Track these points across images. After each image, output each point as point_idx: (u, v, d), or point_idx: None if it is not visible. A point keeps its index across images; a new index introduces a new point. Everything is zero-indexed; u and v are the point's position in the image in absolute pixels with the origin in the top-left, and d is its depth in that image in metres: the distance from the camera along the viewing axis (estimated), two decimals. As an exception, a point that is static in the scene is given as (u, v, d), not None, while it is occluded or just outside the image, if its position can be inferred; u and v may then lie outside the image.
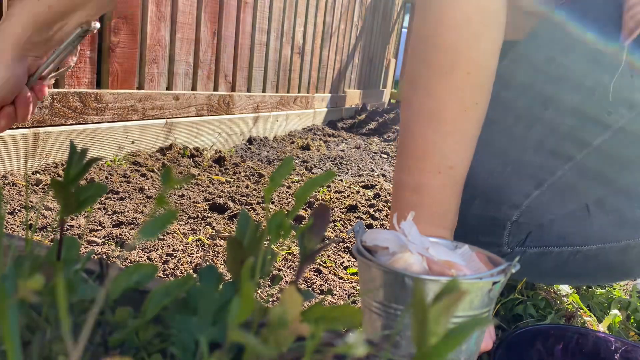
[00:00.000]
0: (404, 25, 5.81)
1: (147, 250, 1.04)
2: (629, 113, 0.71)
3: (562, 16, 0.75)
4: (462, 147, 0.65)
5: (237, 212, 1.35)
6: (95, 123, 1.61)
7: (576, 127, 0.73)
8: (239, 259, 0.34)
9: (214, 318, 0.32)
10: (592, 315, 0.95)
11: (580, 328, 0.79)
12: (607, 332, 0.90)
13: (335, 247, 1.19)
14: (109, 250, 0.99)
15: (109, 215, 1.21)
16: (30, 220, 1.02)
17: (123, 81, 1.72)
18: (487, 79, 0.66)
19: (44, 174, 1.40)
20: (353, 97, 4.20)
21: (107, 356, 0.31)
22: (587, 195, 0.78)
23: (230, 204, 1.39)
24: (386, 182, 1.97)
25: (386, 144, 3.05)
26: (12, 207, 1.13)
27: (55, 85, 1.49)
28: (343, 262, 1.12)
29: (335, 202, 1.58)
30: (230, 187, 1.60)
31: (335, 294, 0.97)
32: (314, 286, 0.98)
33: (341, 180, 1.93)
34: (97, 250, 0.99)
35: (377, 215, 1.49)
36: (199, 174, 1.68)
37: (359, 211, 1.51)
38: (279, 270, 1.03)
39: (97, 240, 1.04)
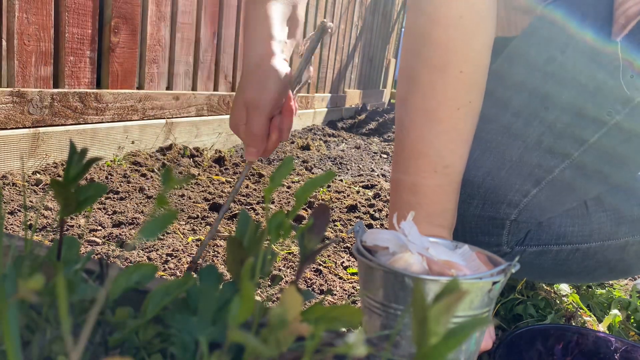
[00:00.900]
0: (404, 25, 5.81)
1: (147, 250, 1.04)
2: (623, 109, 0.71)
3: (554, 13, 0.75)
4: (457, 145, 0.65)
5: (237, 212, 1.35)
6: (95, 123, 1.61)
7: (572, 125, 0.73)
8: (239, 259, 0.34)
9: (214, 318, 0.32)
10: (592, 315, 0.95)
11: (580, 328, 0.79)
12: (607, 332, 0.90)
13: (335, 247, 1.19)
14: (109, 250, 0.99)
15: (109, 215, 1.21)
16: (30, 220, 1.02)
17: (123, 81, 1.72)
18: (480, 77, 0.66)
19: (44, 174, 1.40)
20: (353, 97, 4.20)
21: (107, 356, 0.32)
22: (586, 193, 0.79)
23: (230, 204, 1.39)
24: (386, 182, 1.97)
25: (386, 144, 3.05)
26: (12, 207, 1.13)
27: (55, 85, 1.49)
28: (343, 262, 1.12)
29: (335, 202, 1.58)
30: (230, 187, 1.60)
31: (335, 294, 0.97)
32: (314, 286, 0.98)
33: (341, 180, 1.93)
34: (97, 250, 0.99)
35: (377, 215, 1.49)
36: (199, 174, 1.68)
37: (359, 211, 1.51)
38: (279, 270, 1.03)
39: (97, 240, 1.04)
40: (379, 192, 1.76)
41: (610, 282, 1.16)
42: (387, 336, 0.47)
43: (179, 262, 0.99)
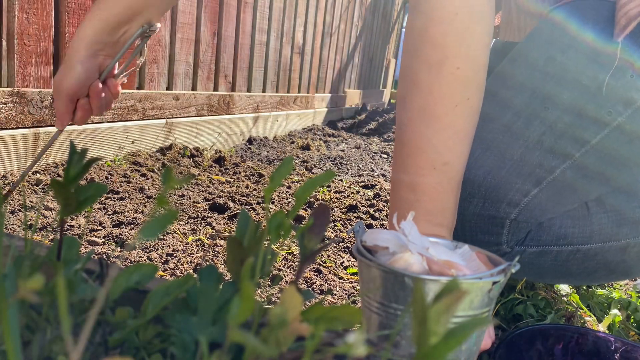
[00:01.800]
0: (404, 25, 5.81)
1: (147, 250, 1.04)
2: (625, 111, 0.72)
3: (558, 15, 0.75)
4: (456, 142, 0.65)
5: (237, 212, 1.35)
6: (95, 123, 1.61)
7: (574, 125, 0.73)
8: (239, 259, 0.34)
9: (214, 318, 0.32)
10: (592, 315, 0.95)
11: (580, 328, 0.79)
12: (607, 331, 0.90)
13: (335, 247, 1.19)
14: (109, 250, 0.99)
15: (109, 215, 1.21)
16: (30, 220, 1.02)
17: (123, 81, 1.72)
18: (477, 74, 0.66)
19: (44, 174, 1.40)
20: (353, 97, 4.20)
21: (107, 356, 0.32)
22: (587, 194, 0.78)
23: (230, 204, 1.39)
24: (386, 182, 1.97)
25: (386, 144, 3.05)
26: (12, 207, 1.13)
27: (55, 85, 1.49)
28: (343, 262, 1.12)
29: (335, 202, 1.58)
30: (230, 187, 1.60)
31: (335, 294, 0.97)
32: (314, 286, 0.98)
33: (341, 180, 1.93)
34: (97, 250, 0.99)
35: (377, 215, 1.49)
36: (199, 174, 1.68)
37: (359, 211, 1.51)
38: (279, 270, 1.03)
39: (97, 240, 1.04)
40: (379, 192, 1.76)
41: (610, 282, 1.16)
42: (387, 336, 0.47)
43: (179, 262, 0.99)
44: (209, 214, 1.31)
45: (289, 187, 1.69)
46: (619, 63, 0.70)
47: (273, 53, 2.72)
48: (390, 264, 0.51)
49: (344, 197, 1.66)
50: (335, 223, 1.39)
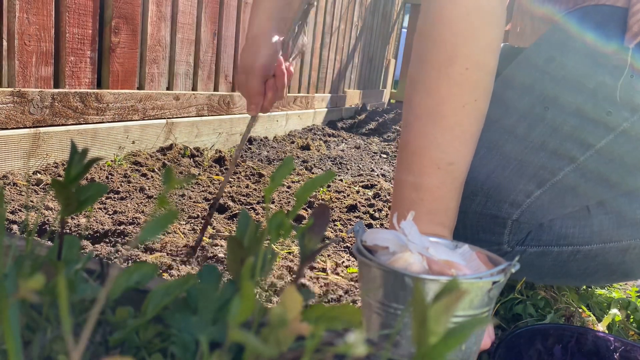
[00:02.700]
0: (403, 25, 5.82)
1: (147, 250, 1.04)
2: (631, 116, 0.72)
3: (570, 21, 0.75)
4: (462, 143, 0.65)
5: (237, 212, 1.35)
6: (96, 123, 1.61)
7: (579, 129, 0.73)
8: (239, 259, 0.34)
9: (214, 318, 0.32)
10: (592, 315, 0.95)
11: (580, 327, 0.79)
12: (607, 331, 0.90)
13: (335, 247, 1.19)
14: (109, 250, 0.99)
15: (109, 215, 1.21)
16: (31, 220, 1.02)
17: (123, 81, 1.72)
18: (486, 76, 0.66)
19: (45, 173, 1.40)
20: (353, 97, 4.20)
21: (108, 356, 0.32)
22: (589, 197, 0.78)
23: (231, 203, 1.39)
24: (386, 182, 1.97)
25: (386, 144, 3.05)
26: (13, 207, 1.14)
27: (56, 86, 1.49)
28: (343, 262, 1.12)
29: (335, 202, 1.58)
30: (231, 187, 1.60)
31: (335, 294, 0.97)
32: (314, 286, 0.98)
33: (341, 180, 1.93)
34: (98, 250, 0.99)
35: (377, 215, 1.49)
36: (199, 174, 1.68)
37: (359, 211, 1.51)
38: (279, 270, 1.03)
39: (98, 240, 1.04)
40: (379, 192, 1.76)
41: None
42: (387, 336, 0.47)
43: (179, 262, 0.99)
44: (209, 214, 1.31)
45: (289, 187, 1.69)
46: (629, 68, 0.70)
47: (273, 53, 2.71)
48: (390, 264, 0.51)
49: (344, 197, 1.66)
50: (335, 223, 1.39)
